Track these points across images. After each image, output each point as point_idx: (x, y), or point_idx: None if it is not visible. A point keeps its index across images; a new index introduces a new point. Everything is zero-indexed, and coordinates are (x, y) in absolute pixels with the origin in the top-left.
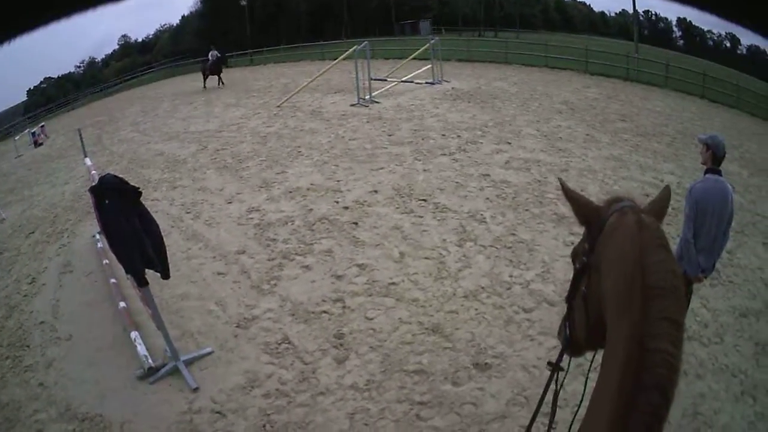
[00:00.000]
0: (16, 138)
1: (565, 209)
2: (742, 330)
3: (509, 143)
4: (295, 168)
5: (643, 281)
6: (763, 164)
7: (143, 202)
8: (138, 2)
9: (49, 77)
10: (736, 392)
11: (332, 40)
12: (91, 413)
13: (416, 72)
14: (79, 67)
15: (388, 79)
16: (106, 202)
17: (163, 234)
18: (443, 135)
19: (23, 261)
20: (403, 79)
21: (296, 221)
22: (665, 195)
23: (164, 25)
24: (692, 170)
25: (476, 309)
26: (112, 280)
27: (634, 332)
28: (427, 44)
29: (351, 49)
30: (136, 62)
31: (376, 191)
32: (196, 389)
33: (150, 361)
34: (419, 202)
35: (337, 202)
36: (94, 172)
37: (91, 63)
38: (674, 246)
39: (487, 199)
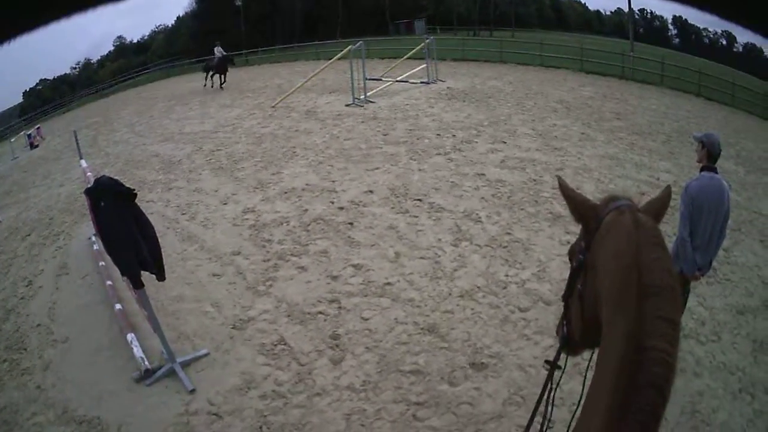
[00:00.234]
0: (12, 140)
1: (561, 208)
2: (739, 327)
3: (504, 142)
4: (290, 168)
5: (639, 280)
6: (760, 162)
7: (138, 204)
8: (133, 3)
9: (45, 79)
10: (734, 390)
11: (327, 40)
12: (89, 416)
13: (411, 71)
14: (75, 68)
15: (383, 79)
16: (102, 204)
17: (158, 235)
18: (438, 134)
19: (19, 264)
20: (398, 78)
21: (291, 222)
22: (665, 195)
23: (159, 26)
24: (688, 168)
25: (472, 309)
26: (108, 282)
27: (630, 331)
28: (422, 44)
29: (346, 49)
30: (131, 63)
31: (371, 191)
32: (192, 391)
33: (146, 363)
34: (414, 201)
35: (333, 203)
36: (89, 173)
37: (87, 64)
38: (670, 244)
39: (483, 198)
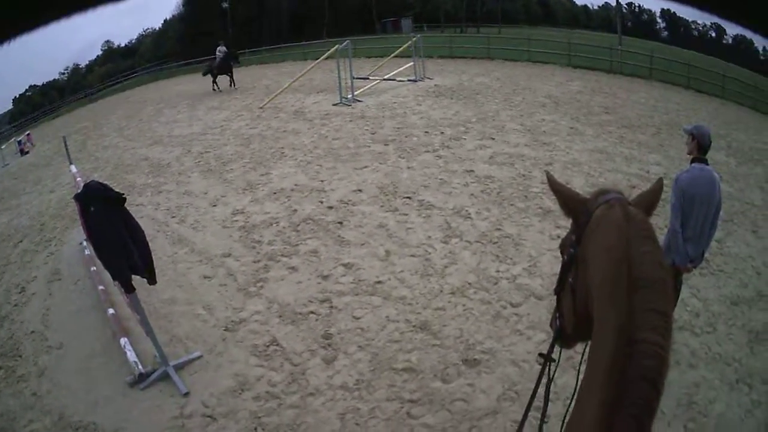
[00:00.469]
0: (3, 147)
1: (551, 203)
2: (734, 318)
3: (493, 139)
4: (279, 169)
5: (630, 273)
6: (751, 153)
7: (128, 208)
8: (120, 7)
9: (35, 85)
10: (731, 381)
11: (314, 40)
12: (85, 421)
13: (398, 70)
14: (64, 73)
15: (371, 78)
16: (92, 209)
17: (148, 239)
18: (426, 132)
19: (12, 270)
20: (386, 77)
21: (281, 222)
22: (656, 188)
23: (147, 29)
24: (678, 161)
25: (463, 305)
26: (100, 287)
27: (621, 324)
28: (409, 42)
29: (333, 49)
30: (119, 67)
31: (360, 190)
32: (186, 394)
33: (140, 367)
34: (404, 199)
35: (322, 202)
36: (79, 179)
37: (75, 69)
38: (662, 237)
39: (472, 194)
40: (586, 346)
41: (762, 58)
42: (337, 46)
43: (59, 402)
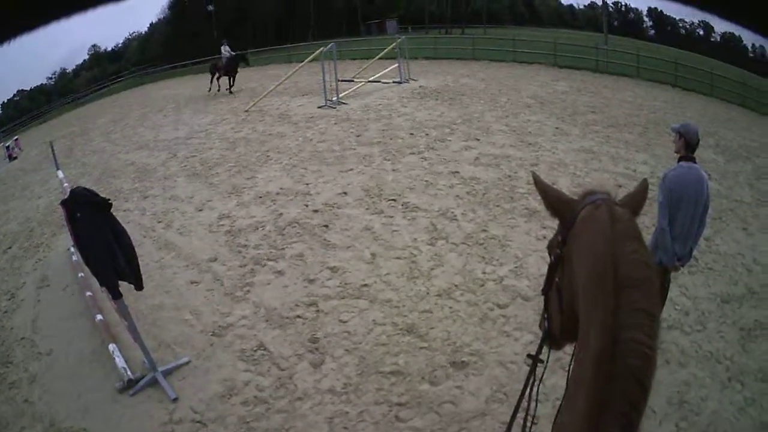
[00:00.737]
0: None
1: (537, 203)
2: (725, 316)
3: (478, 140)
4: (265, 173)
5: (615, 273)
6: (739, 150)
7: (115, 214)
8: (107, 11)
9: (22, 90)
10: (722, 379)
11: (299, 43)
12: (75, 427)
13: (383, 72)
14: (51, 78)
15: (356, 80)
16: (78, 215)
17: (135, 244)
18: (411, 134)
19: (1, 277)
20: (371, 79)
21: (267, 226)
22: (642, 188)
23: (133, 33)
24: (665, 159)
25: (450, 307)
26: (88, 293)
27: (607, 324)
28: (394, 43)
29: (318, 51)
30: (106, 71)
31: (345, 193)
32: (175, 399)
33: (129, 373)
34: (389, 202)
35: (307, 206)
36: (66, 184)
37: (62, 74)
38: (649, 236)
39: (457, 196)
40: (575, 346)
41: (751, 55)
42: (322, 48)
43: (50, 408)
